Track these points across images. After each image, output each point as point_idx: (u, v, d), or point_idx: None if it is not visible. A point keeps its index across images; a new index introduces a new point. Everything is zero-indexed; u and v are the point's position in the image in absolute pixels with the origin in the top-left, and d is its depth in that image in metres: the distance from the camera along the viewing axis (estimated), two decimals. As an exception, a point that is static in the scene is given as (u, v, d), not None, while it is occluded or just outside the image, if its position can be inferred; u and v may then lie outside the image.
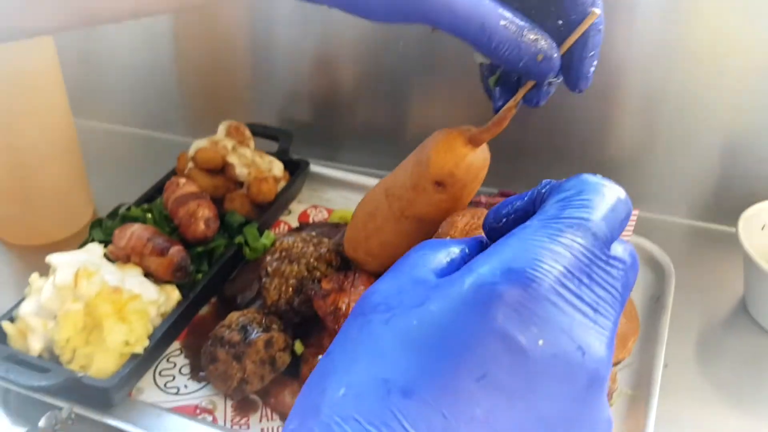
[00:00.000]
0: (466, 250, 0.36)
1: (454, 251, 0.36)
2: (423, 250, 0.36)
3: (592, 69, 0.52)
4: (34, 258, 0.93)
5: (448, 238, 0.65)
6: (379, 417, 0.28)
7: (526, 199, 0.38)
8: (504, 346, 0.28)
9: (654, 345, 0.76)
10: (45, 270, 0.79)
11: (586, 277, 0.30)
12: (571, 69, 0.52)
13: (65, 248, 0.85)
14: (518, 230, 0.32)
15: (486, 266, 0.30)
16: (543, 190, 0.36)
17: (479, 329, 0.29)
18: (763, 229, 0.87)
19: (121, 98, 1.22)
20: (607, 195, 0.33)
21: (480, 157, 0.65)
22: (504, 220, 0.38)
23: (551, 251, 0.30)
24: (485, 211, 0.68)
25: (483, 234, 0.39)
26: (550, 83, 0.55)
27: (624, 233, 0.66)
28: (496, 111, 0.59)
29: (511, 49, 0.47)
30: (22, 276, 0.90)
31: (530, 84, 0.55)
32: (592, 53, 0.51)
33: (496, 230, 0.38)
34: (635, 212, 0.65)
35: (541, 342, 0.28)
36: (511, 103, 0.59)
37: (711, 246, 0.99)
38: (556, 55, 0.48)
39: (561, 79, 0.54)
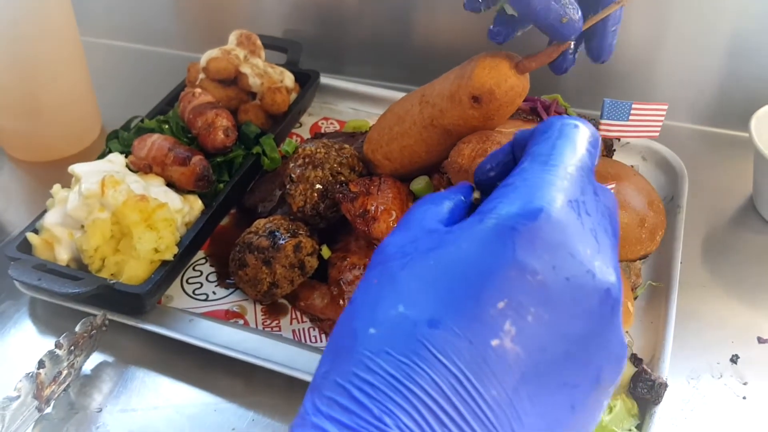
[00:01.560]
0: (462, 198, 0.40)
1: (453, 201, 0.40)
2: (425, 205, 0.39)
3: (614, 41, 0.57)
4: (45, 174, 0.92)
5: (457, 165, 0.66)
6: (410, 347, 0.30)
7: (506, 150, 0.41)
8: (522, 275, 0.30)
9: (672, 242, 0.78)
10: (57, 185, 0.78)
11: (583, 208, 0.33)
12: (594, 40, 0.58)
13: (74, 163, 0.84)
14: (515, 175, 0.35)
15: (496, 207, 0.33)
16: (520, 139, 0.40)
17: (497, 262, 0.31)
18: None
19: (123, 14, 1.19)
20: (580, 131, 0.37)
21: (521, 84, 0.65)
22: (491, 173, 0.42)
23: (552, 187, 0.33)
24: (490, 134, 0.69)
25: (488, 162, 0.43)
26: (574, 51, 0.60)
27: (653, 128, 0.67)
28: (490, 34, 0.62)
29: (542, 7, 0.54)
30: (34, 192, 0.90)
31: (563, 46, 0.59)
32: (614, 28, 0.56)
33: (486, 182, 0.42)
34: (664, 106, 0.66)
35: (554, 268, 0.31)
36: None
37: (720, 150, 1.00)
38: (579, 21, 0.54)
39: (583, 48, 0.59)
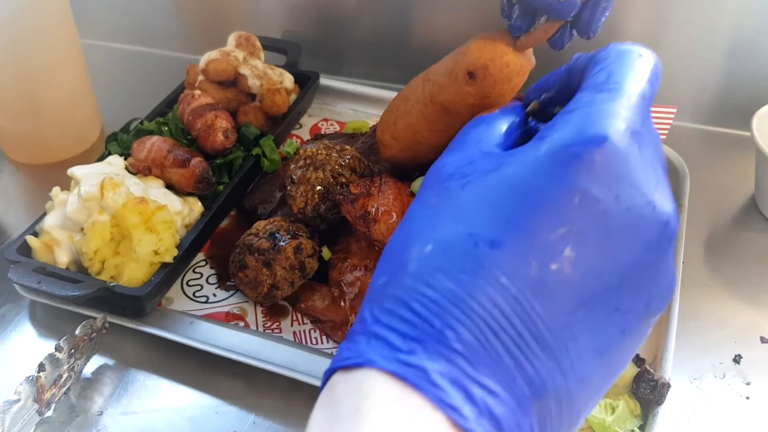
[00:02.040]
0: (516, 120, 0.41)
1: (507, 123, 0.40)
2: (480, 126, 0.40)
3: (603, 18, 0.56)
4: (45, 177, 0.92)
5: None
6: (470, 266, 0.31)
7: (561, 74, 0.41)
8: (583, 202, 0.31)
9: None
10: (58, 187, 0.78)
11: (643, 139, 0.33)
12: (584, 15, 0.56)
13: (75, 165, 0.84)
14: (578, 101, 0.35)
15: (559, 133, 0.33)
16: (577, 64, 0.39)
17: (560, 187, 0.31)
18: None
19: (123, 16, 1.18)
20: (644, 58, 0.36)
21: (519, 61, 0.64)
22: (544, 95, 0.42)
23: (616, 116, 0.33)
24: None
25: (541, 84, 0.44)
26: (572, 28, 0.58)
27: (660, 131, 0.67)
28: (511, 29, 0.60)
29: None
30: (34, 194, 0.90)
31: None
32: (605, 4, 0.54)
33: (540, 108, 0.42)
34: (673, 109, 0.65)
35: (616, 197, 0.31)
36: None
37: (721, 149, 1.00)
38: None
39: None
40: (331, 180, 0.73)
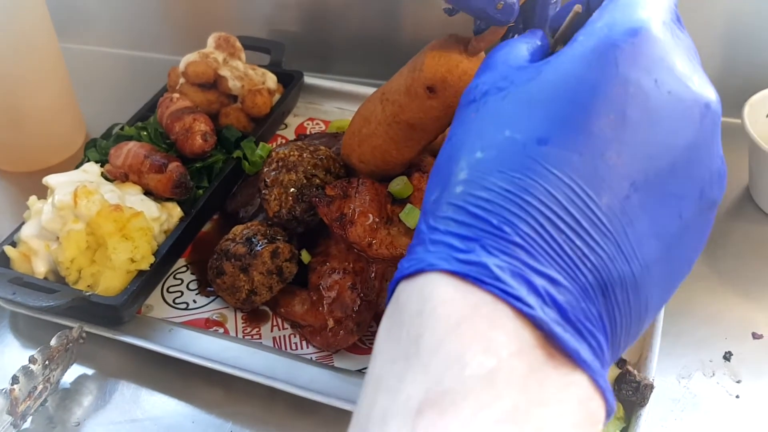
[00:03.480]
0: (539, 43, 0.41)
1: (531, 45, 0.40)
2: (506, 48, 0.39)
3: (552, 12, 0.54)
4: (29, 184, 0.91)
5: None
6: (522, 164, 0.31)
7: None
8: (626, 89, 0.31)
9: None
10: (41, 195, 0.78)
11: (676, 26, 0.34)
12: (535, 14, 0.55)
13: (58, 172, 0.83)
14: (603, 7, 0.35)
15: (593, 29, 0.33)
16: None
17: (602, 78, 0.32)
18: (767, 116, 0.86)
19: (105, 19, 1.18)
20: None
21: (475, 66, 0.63)
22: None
23: (647, 6, 0.34)
24: None
25: None
26: (514, 33, 0.56)
27: None
28: (475, 32, 0.59)
29: None
30: (19, 203, 0.89)
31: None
32: (554, 0, 0.53)
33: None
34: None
35: (656, 82, 0.32)
36: None
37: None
38: (515, 2, 0.50)
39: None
40: (305, 181, 0.72)
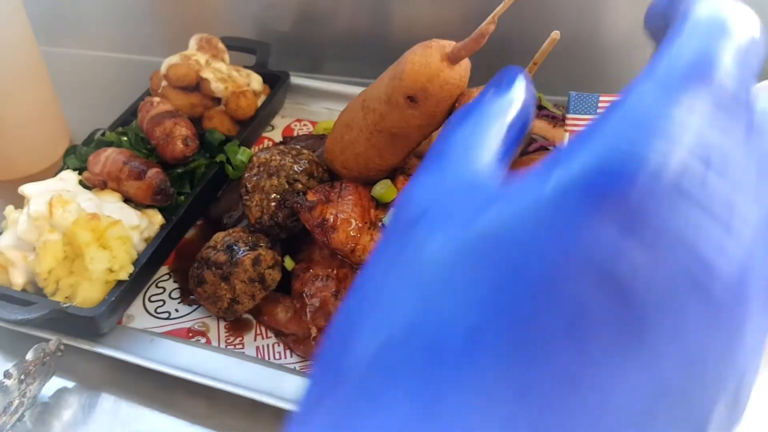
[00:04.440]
0: (518, 125, 0.27)
1: (508, 116, 0.27)
2: (466, 126, 0.27)
3: None
4: (10, 193, 0.90)
5: None
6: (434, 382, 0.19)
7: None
8: (602, 284, 0.19)
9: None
10: (21, 204, 0.76)
11: (720, 161, 0.20)
12: None
13: (43, 179, 0.81)
14: (626, 95, 0.21)
15: (571, 156, 0.20)
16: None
17: (564, 258, 0.19)
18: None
19: (90, 21, 1.16)
20: (739, 23, 0.22)
21: (456, 74, 0.61)
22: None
23: (666, 124, 0.19)
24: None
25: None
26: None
27: None
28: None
29: None
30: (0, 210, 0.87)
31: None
32: None
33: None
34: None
35: (654, 260, 0.19)
36: (489, 19, 0.57)
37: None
38: None
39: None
40: (287, 186, 0.70)
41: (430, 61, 0.61)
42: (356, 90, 0.97)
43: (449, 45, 0.62)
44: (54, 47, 0.94)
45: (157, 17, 1.13)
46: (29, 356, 0.65)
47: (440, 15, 1.02)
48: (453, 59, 0.60)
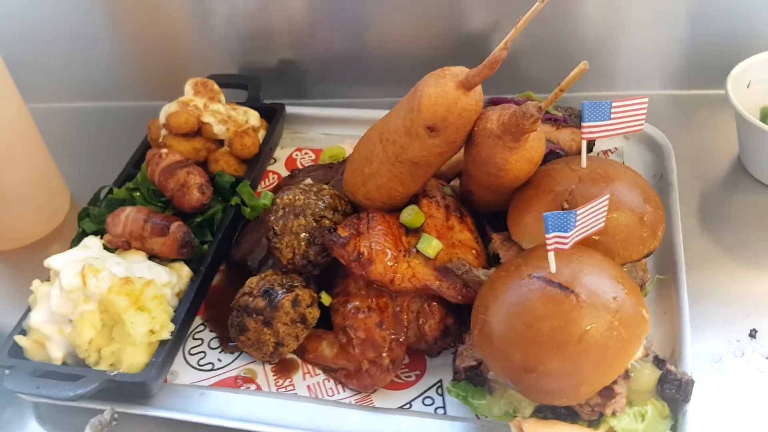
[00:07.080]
0: None
1: None
2: None
3: None
4: (21, 261, 0.88)
5: (486, 131, 0.63)
6: None
7: None
8: None
9: (670, 225, 0.76)
10: (36, 272, 0.74)
11: None
12: None
13: (50, 245, 0.80)
14: None
15: None
16: None
17: None
18: (749, 86, 0.87)
19: (73, 72, 1.12)
20: None
21: (473, 101, 0.64)
22: None
23: None
24: (508, 103, 0.69)
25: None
26: None
27: (636, 122, 0.65)
28: None
29: None
30: (16, 281, 0.86)
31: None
32: None
33: None
34: (644, 99, 0.64)
35: None
36: (501, 45, 0.60)
37: (697, 111, 0.99)
38: None
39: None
40: (314, 224, 0.71)
41: (446, 90, 0.62)
42: (351, 112, 0.98)
43: (461, 72, 0.64)
44: (37, 104, 0.91)
45: (137, 62, 1.11)
46: (88, 431, 0.64)
47: (418, 30, 1.02)
48: (467, 86, 0.62)
